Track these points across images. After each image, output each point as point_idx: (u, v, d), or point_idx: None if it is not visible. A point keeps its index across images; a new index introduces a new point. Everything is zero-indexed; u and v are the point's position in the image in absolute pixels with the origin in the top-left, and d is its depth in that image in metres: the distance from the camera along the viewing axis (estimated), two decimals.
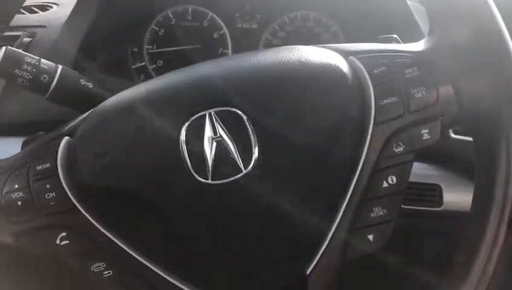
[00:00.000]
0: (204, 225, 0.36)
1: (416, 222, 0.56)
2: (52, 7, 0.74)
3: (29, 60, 0.47)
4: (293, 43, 0.74)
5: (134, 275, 0.37)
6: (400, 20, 0.66)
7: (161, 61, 0.75)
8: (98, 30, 0.68)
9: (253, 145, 0.35)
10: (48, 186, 0.37)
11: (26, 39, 0.65)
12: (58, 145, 0.38)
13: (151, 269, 0.37)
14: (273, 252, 0.36)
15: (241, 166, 0.35)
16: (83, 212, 0.37)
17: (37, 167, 0.37)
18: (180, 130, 0.36)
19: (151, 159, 0.36)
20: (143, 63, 0.75)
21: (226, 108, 0.36)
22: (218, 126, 0.36)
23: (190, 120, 0.36)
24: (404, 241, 0.54)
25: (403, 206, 0.55)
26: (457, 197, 0.55)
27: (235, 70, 0.38)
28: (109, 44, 0.72)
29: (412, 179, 0.56)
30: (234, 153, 0.35)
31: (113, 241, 0.37)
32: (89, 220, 0.37)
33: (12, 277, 0.38)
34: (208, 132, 0.36)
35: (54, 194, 0.37)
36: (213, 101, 0.36)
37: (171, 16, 0.75)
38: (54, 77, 0.48)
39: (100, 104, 0.41)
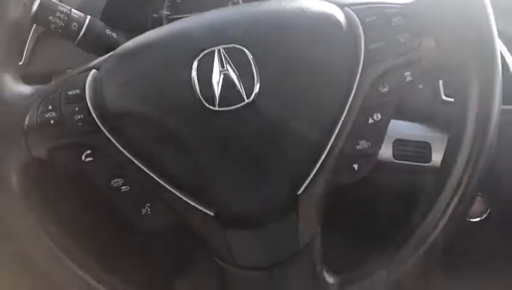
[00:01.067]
0: (212, 147, 0.41)
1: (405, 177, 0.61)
2: None
3: (61, 8, 0.53)
4: None
5: (148, 191, 0.42)
6: None
7: None
8: None
9: (255, 78, 0.40)
10: (76, 109, 0.42)
11: None
12: (87, 76, 0.44)
13: (164, 186, 0.42)
14: (271, 171, 0.41)
15: (244, 96, 0.40)
16: (106, 133, 0.42)
17: (68, 93, 0.43)
18: (192, 63, 0.41)
19: (166, 88, 0.42)
20: None
21: (233, 45, 0.41)
22: (226, 61, 0.41)
23: (201, 55, 0.41)
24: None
25: (396, 161, 0.61)
26: None
27: (243, 14, 0.44)
28: (130, 9, 0.77)
29: (405, 137, 0.61)
30: (238, 84, 0.40)
31: (131, 160, 0.42)
32: (111, 140, 0.42)
33: (44, 191, 0.44)
34: (216, 66, 0.41)
35: (81, 116, 0.42)
36: (222, 39, 0.41)
37: None
38: (83, 26, 0.54)
39: (123, 45, 0.46)
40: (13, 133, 0.43)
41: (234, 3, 0.79)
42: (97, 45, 0.56)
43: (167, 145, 0.42)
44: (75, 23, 0.54)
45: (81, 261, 0.44)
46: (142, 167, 0.42)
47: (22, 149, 0.42)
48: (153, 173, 0.42)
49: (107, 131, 0.42)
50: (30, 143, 0.42)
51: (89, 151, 0.42)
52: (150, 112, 0.42)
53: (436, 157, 0.60)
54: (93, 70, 0.45)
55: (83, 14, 0.55)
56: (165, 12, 0.80)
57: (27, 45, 0.68)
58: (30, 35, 0.68)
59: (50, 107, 0.43)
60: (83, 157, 0.42)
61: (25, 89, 0.44)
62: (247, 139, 0.41)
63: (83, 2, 0.70)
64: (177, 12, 0.80)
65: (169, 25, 0.46)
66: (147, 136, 0.42)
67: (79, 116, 0.42)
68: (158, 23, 0.80)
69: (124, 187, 0.42)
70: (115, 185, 0.42)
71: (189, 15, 0.79)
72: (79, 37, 0.54)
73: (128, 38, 0.57)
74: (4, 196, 0.43)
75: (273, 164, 0.41)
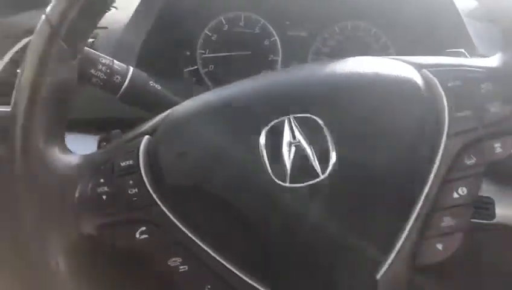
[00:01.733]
0: (280, 227, 0.37)
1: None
2: (110, 9, 0.77)
3: (103, 60, 0.50)
4: (342, 52, 0.76)
5: (209, 271, 0.38)
6: (452, 34, 0.67)
7: (212, 66, 0.77)
8: (156, 34, 0.70)
9: (330, 151, 0.37)
10: (130, 182, 0.39)
11: (89, 40, 0.68)
12: (140, 143, 0.40)
13: (226, 266, 0.38)
14: (346, 256, 0.37)
15: (319, 171, 0.36)
16: (163, 208, 0.38)
17: (121, 164, 0.39)
18: (260, 134, 0.37)
19: (231, 161, 0.38)
20: (195, 67, 0.77)
21: (304, 114, 0.37)
22: (297, 131, 0.37)
23: (270, 125, 0.37)
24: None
25: None
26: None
27: (313, 78, 0.40)
28: (165, 47, 0.74)
29: None
30: (312, 158, 0.37)
31: (190, 238, 0.38)
32: (168, 216, 0.38)
33: (92, 269, 0.40)
34: (287, 137, 0.37)
35: (136, 190, 0.38)
36: (291, 107, 0.38)
37: (224, 22, 0.77)
38: (126, 78, 0.51)
39: (176, 106, 0.43)
40: (62, 208, 0.39)
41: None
42: (140, 98, 0.52)
43: (230, 222, 0.38)
44: (118, 76, 0.50)
45: None
46: (202, 245, 0.38)
47: (70, 225, 0.39)
48: (215, 252, 0.38)
49: (164, 206, 0.38)
50: (80, 219, 0.39)
51: (143, 228, 0.39)
52: (211, 187, 0.38)
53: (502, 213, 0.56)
54: (147, 137, 0.41)
55: (125, 65, 0.52)
56: (199, 50, 0.77)
57: None
58: None
59: (102, 181, 0.39)
60: (137, 235, 0.39)
61: (74, 158, 0.41)
62: (321, 219, 0.37)
63: (122, 39, 0.67)
64: (211, 51, 0.77)
65: (231, 87, 0.42)
66: (207, 212, 0.39)
67: (133, 191, 0.39)
68: (192, 61, 0.77)
69: (182, 267, 0.39)
70: (172, 265, 0.39)
71: (223, 54, 0.77)
72: (121, 90, 0.51)
73: (171, 91, 0.55)
74: (51, 276, 0.39)
75: (350, 247, 0.37)
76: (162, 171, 0.39)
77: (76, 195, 0.39)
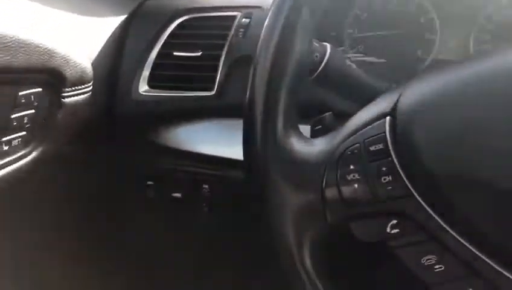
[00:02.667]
0: None
1: None
2: None
3: None
4: (509, 30, 0.69)
5: (470, 272, 0.33)
6: None
7: (362, 46, 0.72)
8: None
9: None
10: (383, 169, 0.34)
11: (244, 20, 0.64)
12: (384, 125, 0.35)
13: (493, 268, 0.33)
14: None
15: None
16: (420, 200, 0.34)
17: (370, 148, 0.35)
18: None
19: (503, 146, 0.33)
20: (341, 48, 0.72)
21: None
22: None
23: None
24: None
25: None
26: None
27: None
28: None
29: None
30: None
31: (450, 234, 0.33)
32: (425, 209, 0.34)
33: (333, 263, 0.36)
34: None
35: (390, 178, 0.34)
36: None
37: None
38: (325, 56, 0.46)
39: (413, 81, 0.37)
40: (308, 197, 0.35)
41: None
42: (336, 78, 0.48)
43: (504, 218, 0.33)
44: (317, 54, 0.46)
45: None
46: (465, 243, 0.33)
47: (318, 216, 0.35)
48: (480, 251, 0.33)
49: (420, 197, 0.34)
50: (328, 208, 0.35)
51: (394, 221, 0.34)
52: (481, 175, 0.33)
53: None
54: (388, 118, 0.36)
55: (321, 43, 0.47)
56: (347, 30, 0.72)
57: (218, 74, 0.62)
58: (221, 64, 0.62)
59: (352, 167, 0.35)
60: (388, 229, 0.34)
61: (315, 144, 0.37)
62: None
63: None
64: (360, 30, 0.72)
65: (482, 62, 0.37)
66: (474, 206, 0.34)
67: (387, 179, 0.34)
68: (338, 42, 0.72)
69: (437, 266, 0.34)
70: (426, 264, 0.34)
71: (374, 33, 0.71)
72: (319, 69, 0.46)
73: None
74: (295, 270, 0.36)
75: None
76: (416, 156, 0.34)
77: (324, 183, 0.35)
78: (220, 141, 0.64)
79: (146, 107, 0.63)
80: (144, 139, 0.64)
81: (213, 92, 0.62)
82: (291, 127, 0.37)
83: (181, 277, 0.78)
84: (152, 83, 0.64)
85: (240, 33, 0.64)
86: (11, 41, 0.40)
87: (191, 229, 0.68)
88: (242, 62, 0.62)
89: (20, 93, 0.44)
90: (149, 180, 0.67)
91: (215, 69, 0.62)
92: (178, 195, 0.64)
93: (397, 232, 0.34)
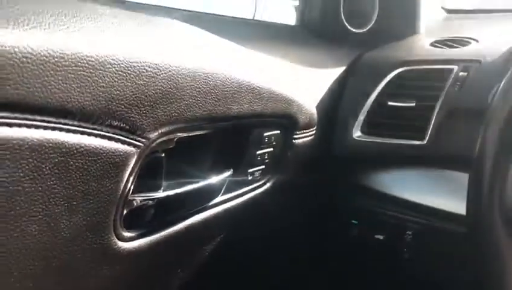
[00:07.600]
0: None
1: None
2: (470, 42, 0.73)
3: None
4: None
5: None
6: None
7: None
8: None
9: None
10: None
11: (462, 74, 0.65)
12: None
13: None
14: None
15: None
16: None
17: None
18: None
19: None
20: None
21: None
22: None
23: None
24: None
25: None
26: None
27: None
28: None
29: None
30: None
31: None
32: None
33: None
34: None
35: None
36: None
37: None
38: None
39: None
40: None
41: None
42: None
43: None
44: None
45: None
46: None
47: None
48: None
49: None
50: None
51: None
52: None
53: None
54: None
55: None
56: None
57: (431, 124, 0.64)
58: (434, 115, 0.64)
59: None
60: None
61: None
62: None
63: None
64: None
65: None
66: None
67: None
68: None
69: None
70: None
71: None
72: None
73: None
74: None
75: None
76: None
77: None
78: (426, 190, 0.65)
79: (359, 151, 0.68)
80: (354, 179, 0.69)
81: (424, 142, 0.64)
82: None
83: None
84: (366, 129, 0.69)
85: (457, 86, 0.64)
86: (265, 93, 0.50)
87: (392, 272, 0.70)
88: (457, 114, 0.63)
89: (265, 134, 0.53)
90: (353, 219, 0.71)
91: (428, 119, 0.64)
92: (380, 237, 0.67)
93: None
